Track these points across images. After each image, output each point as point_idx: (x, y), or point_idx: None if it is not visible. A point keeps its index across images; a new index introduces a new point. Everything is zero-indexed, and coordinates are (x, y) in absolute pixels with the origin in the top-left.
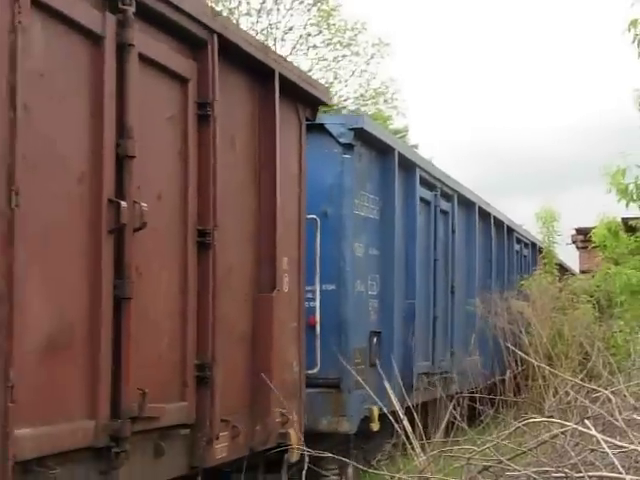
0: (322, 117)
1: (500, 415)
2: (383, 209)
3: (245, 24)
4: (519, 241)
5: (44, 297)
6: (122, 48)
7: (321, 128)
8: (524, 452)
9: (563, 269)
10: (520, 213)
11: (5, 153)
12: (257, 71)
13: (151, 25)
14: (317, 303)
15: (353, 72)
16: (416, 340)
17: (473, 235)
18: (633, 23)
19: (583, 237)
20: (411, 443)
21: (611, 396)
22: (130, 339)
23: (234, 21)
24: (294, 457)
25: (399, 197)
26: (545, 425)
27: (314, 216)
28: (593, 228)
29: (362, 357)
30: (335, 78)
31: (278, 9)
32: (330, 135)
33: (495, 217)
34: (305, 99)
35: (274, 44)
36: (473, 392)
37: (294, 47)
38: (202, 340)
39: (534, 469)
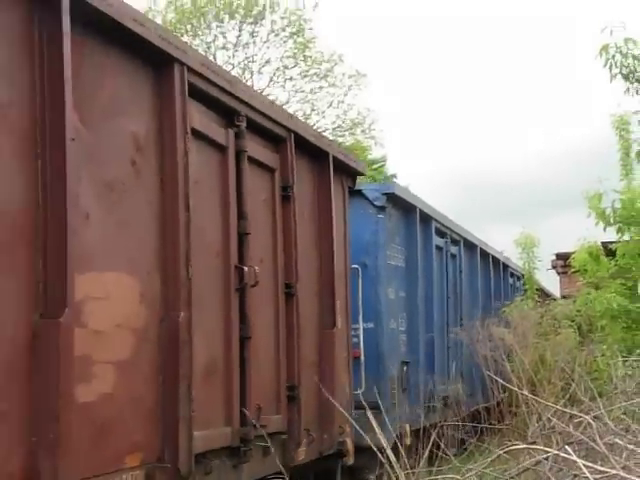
0: (360, 184)
1: (484, 443)
2: (408, 257)
3: (221, 58)
4: (512, 275)
5: (202, 339)
6: (239, 154)
7: (360, 194)
8: None
9: (544, 294)
10: (498, 240)
11: (184, 241)
12: (316, 155)
13: (254, 132)
14: (360, 338)
15: (330, 103)
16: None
17: (476, 273)
18: (604, 48)
19: (563, 262)
20: (395, 473)
21: (592, 421)
22: (251, 368)
23: (211, 56)
24: (350, 461)
25: (419, 246)
26: (528, 452)
27: (356, 266)
28: (572, 253)
29: (396, 383)
30: (312, 109)
31: (254, 42)
32: (367, 199)
33: (493, 256)
34: (348, 172)
35: (251, 77)
36: (457, 420)
37: (271, 79)
38: (290, 367)
39: None
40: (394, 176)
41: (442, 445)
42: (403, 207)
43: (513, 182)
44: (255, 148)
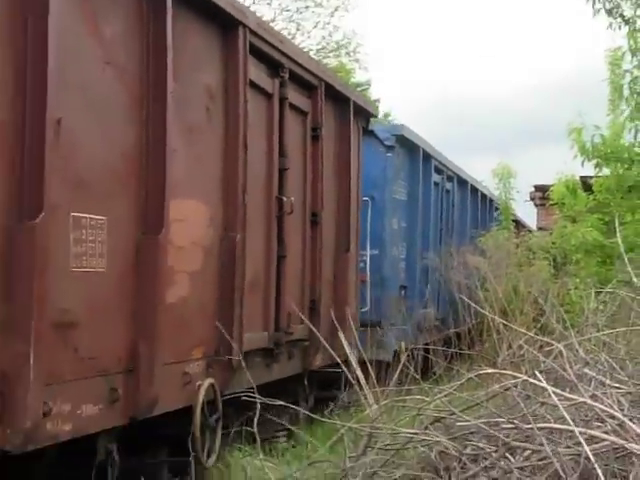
0: (373, 125)
1: (454, 368)
2: (410, 192)
3: None
4: (497, 209)
5: (250, 257)
6: (282, 100)
7: (372, 134)
8: (476, 404)
9: (520, 225)
10: (479, 170)
11: (242, 174)
12: (340, 100)
13: (293, 82)
14: (367, 263)
15: (316, 24)
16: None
17: (466, 207)
18: None
19: (541, 194)
20: (364, 393)
21: (563, 350)
22: (285, 282)
23: None
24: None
25: (420, 182)
26: (498, 378)
27: (366, 199)
28: (551, 186)
29: (395, 305)
30: (298, 29)
31: None
32: (378, 139)
33: (481, 192)
34: (363, 114)
35: None
36: (427, 344)
37: None
38: (313, 284)
39: (484, 420)
40: (377, 101)
41: (411, 368)
42: (409, 146)
43: (498, 114)
44: (294, 95)
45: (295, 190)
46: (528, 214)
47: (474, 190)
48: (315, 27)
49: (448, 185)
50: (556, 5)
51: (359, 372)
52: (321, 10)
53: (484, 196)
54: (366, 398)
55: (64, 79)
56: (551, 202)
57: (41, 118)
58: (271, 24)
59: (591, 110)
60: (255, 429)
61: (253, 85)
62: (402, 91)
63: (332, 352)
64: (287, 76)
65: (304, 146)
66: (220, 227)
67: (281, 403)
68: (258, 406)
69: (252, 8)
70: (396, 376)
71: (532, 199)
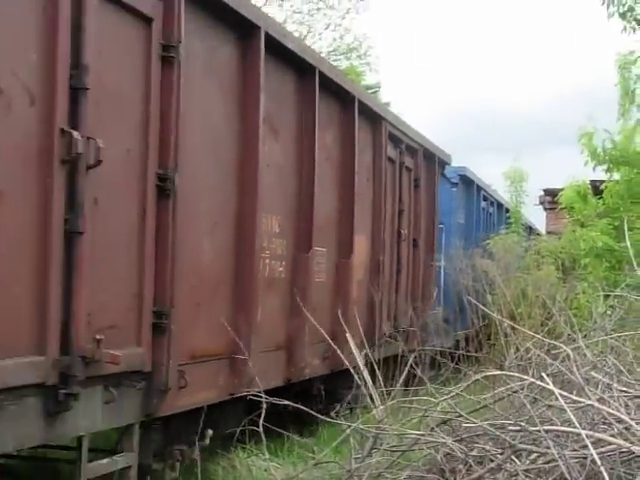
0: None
1: (461, 371)
2: (466, 217)
3: None
4: (507, 210)
5: (385, 271)
6: (400, 165)
7: (442, 174)
8: (483, 407)
9: (529, 229)
10: (490, 172)
11: (383, 220)
12: (429, 157)
13: (406, 150)
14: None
15: (327, 26)
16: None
17: (500, 224)
18: None
19: (551, 198)
20: (370, 394)
21: (571, 353)
22: (400, 287)
23: None
24: None
25: (474, 210)
26: (505, 381)
27: (441, 225)
28: (561, 190)
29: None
30: (309, 31)
31: None
32: (447, 178)
33: (499, 202)
34: (442, 163)
35: None
36: (434, 346)
37: None
38: (414, 289)
39: (491, 422)
40: (388, 104)
41: (418, 371)
42: (467, 183)
43: (510, 118)
44: (406, 159)
45: (407, 223)
46: (537, 218)
47: (506, 210)
48: (326, 29)
49: (490, 209)
50: (575, 10)
51: (366, 374)
52: (332, 12)
53: (500, 205)
54: (372, 399)
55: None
56: (561, 206)
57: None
58: (283, 25)
59: (604, 115)
60: (261, 429)
61: (388, 158)
62: (415, 93)
63: (340, 353)
64: (404, 147)
65: (409, 193)
66: (371, 252)
67: (288, 403)
68: (264, 406)
69: (263, 9)
70: (403, 377)
71: (541, 203)
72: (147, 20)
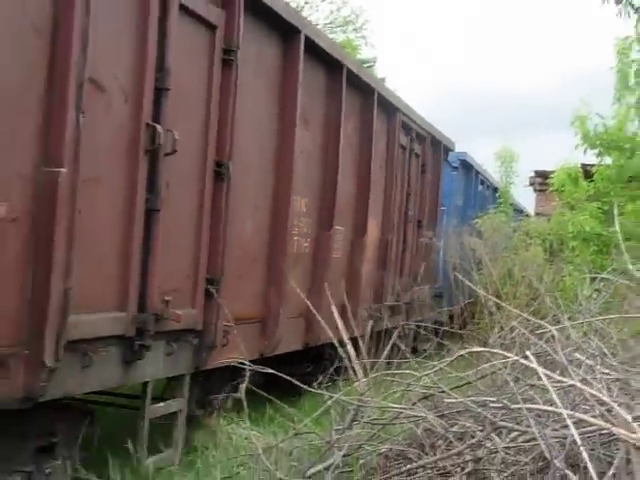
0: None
1: (445, 347)
2: (464, 199)
3: None
4: (495, 190)
5: (393, 250)
6: (410, 151)
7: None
8: (466, 383)
9: (518, 210)
10: (482, 152)
11: (392, 204)
12: (436, 144)
13: (415, 137)
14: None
15: None
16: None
17: (489, 204)
18: None
19: (541, 180)
20: (353, 365)
21: (555, 333)
22: (405, 262)
23: None
24: None
25: (472, 193)
26: (488, 358)
27: (443, 207)
28: (552, 172)
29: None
30: (306, 3)
31: None
32: (448, 162)
33: (492, 183)
34: (447, 150)
35: None
36: (420, 321)
37: None
38: (413, 264)
39: (473, 399)
40: (383, 80)
41: (402, 346)
42: (466, 167)
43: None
44: (415, 146)
45: (413, 206)
46: (527, 199)
47: (497, 190)
48: (323, 1)
49: (486, 192)
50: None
51: (349, 347)
52: None
53: (491, 185)
54: (355, 371)
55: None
56: (552, 188)
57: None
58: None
59: (602, 99)
60: (243, 396)
61: (400, 145)
62: (409, 71)
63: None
64: (414, 135)
65: (417, 178)
66: (381, 232)
67: (271, 371)
68: (247, 374)
69: None
70: (386, 351)
71: (532, 184)
72: (212, 28)
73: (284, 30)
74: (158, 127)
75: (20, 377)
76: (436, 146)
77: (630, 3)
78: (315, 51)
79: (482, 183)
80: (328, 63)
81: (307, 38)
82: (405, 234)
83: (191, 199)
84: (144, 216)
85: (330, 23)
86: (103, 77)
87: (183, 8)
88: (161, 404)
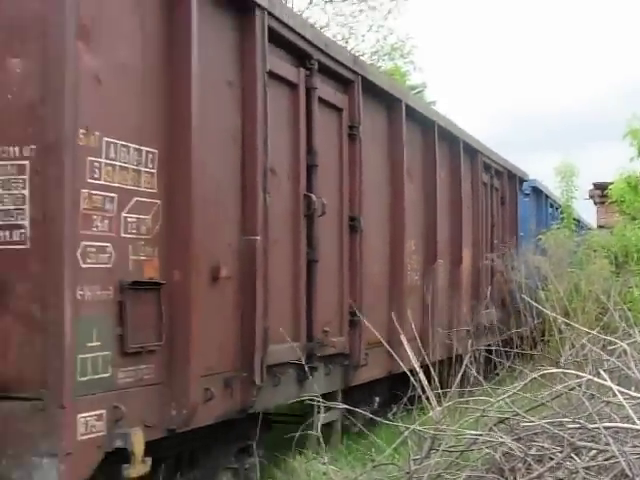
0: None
1: (516, 370)
2: (537, 222)
3: None
4: (557, 208)
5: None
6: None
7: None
8: (540, 404)
9: (581, 224)
10: (539, 168)
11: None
12: (512, 178)
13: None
14: None
15: (370, 27)
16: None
17: (545, 217)
18: None
19: (600, 192)
20: (427, 395)
21: (627, 348)
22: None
23: None
24: None
25: (543, 216)
26: (561, 378)
27: (522, 233)
28: (611, 183)
29: None
30: (351, 33)
31: None
32: (521, 191)
33: (547, 196)
34: (521, 181)
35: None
36: (490, 346)
37: (310, 2)
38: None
39: (549, 420)
40: (433, 103)
41: (473, 370)
42: (537, 193)
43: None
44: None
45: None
46: (587, 212)
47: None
48: (369, 31)
49: (555, 213)
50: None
51: (422, 375)
52: (374, 14)
53: (548, 197)
54: (429, 400)
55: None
56: (611, 200)
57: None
58: (324, 29)
59: None
60: (319, 432)
61: (482, 183)
62: (460, 93)
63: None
64: (493, 172)
65: (497, 210)
66: (472, 260)
67: (345, 406)
68: (322, 409)
69: (306, 13)
70: (459, 378)
71: (591, 197)
72: (339, 110)
73: (388, 100)
74: (312, 196)
75: (239, 394)
76: (512, 178)
77: None
78: (413, 114)
79: (551, 206)
80: (422, 123)
81: (407, 106)
82: (493, 261)
83: (333, 249)
84: (306, 266)
85: (376, 52)
86: (275, 164)
87: (321, 100)
88: (325, 414)
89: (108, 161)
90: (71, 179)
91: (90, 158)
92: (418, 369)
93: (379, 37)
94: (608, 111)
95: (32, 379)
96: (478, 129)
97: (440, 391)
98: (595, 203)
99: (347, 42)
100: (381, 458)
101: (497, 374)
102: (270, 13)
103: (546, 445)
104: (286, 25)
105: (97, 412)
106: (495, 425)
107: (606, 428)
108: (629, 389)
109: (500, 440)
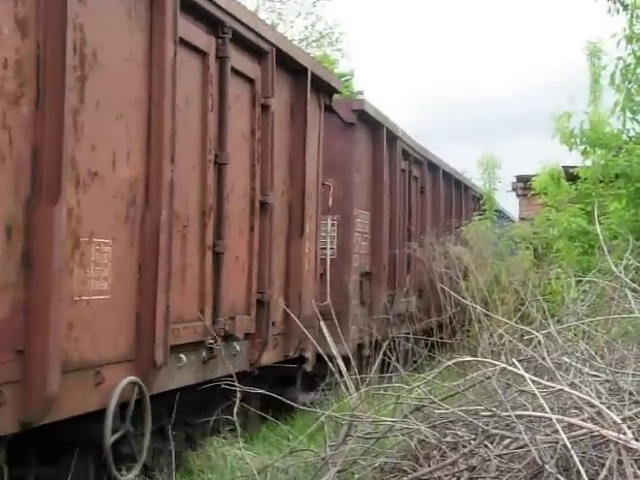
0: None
1: (435, 358)
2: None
3: None
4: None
5: None
6: None
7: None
8: (456, 393)
9: (502, 216)
10: (460, 159)
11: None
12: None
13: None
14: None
15: (299, 13)
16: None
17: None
18: None
19: (523, 184)
20: (344, 382)
21: (542, 339)
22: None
23: None
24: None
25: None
26: (478, 367)
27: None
28: (534, 176)
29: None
30: (280, 19)
31: None
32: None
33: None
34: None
35: None
36: (408, 334)
37: None
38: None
39: (464, 408)
40: (361, 93)
41: (392, 358)
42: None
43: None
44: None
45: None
46: (510, 205)
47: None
48: (298, 17)
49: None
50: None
51: (340, 361)
52: (304, 0)
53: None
54: (347, 386)
55: None
56: (533, 192)
57: None
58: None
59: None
60: (235, 418)
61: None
62: (387, 81)
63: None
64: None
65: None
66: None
67: (262, 392)
68: (238, 394)
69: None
70: (377, 365)
71: (514, 189)
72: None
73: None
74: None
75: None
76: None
77: (620, 0)
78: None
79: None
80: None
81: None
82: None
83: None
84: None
85: (305, 38)
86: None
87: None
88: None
89: None
90: None
91: None
92: (336, 354)
93: (307, 24)
94: (532, 98)
95: None
96: (403, 118)
97: (357, 376)
98: (518, 195)
99: (276, 27)
100: (296, 443)
101: (415, 362)
102: None
103: (460, 433)
104: None
105: None
106: (411, 413)
107: (519, 417)
108: (543, 379)
109: (415, 427)
